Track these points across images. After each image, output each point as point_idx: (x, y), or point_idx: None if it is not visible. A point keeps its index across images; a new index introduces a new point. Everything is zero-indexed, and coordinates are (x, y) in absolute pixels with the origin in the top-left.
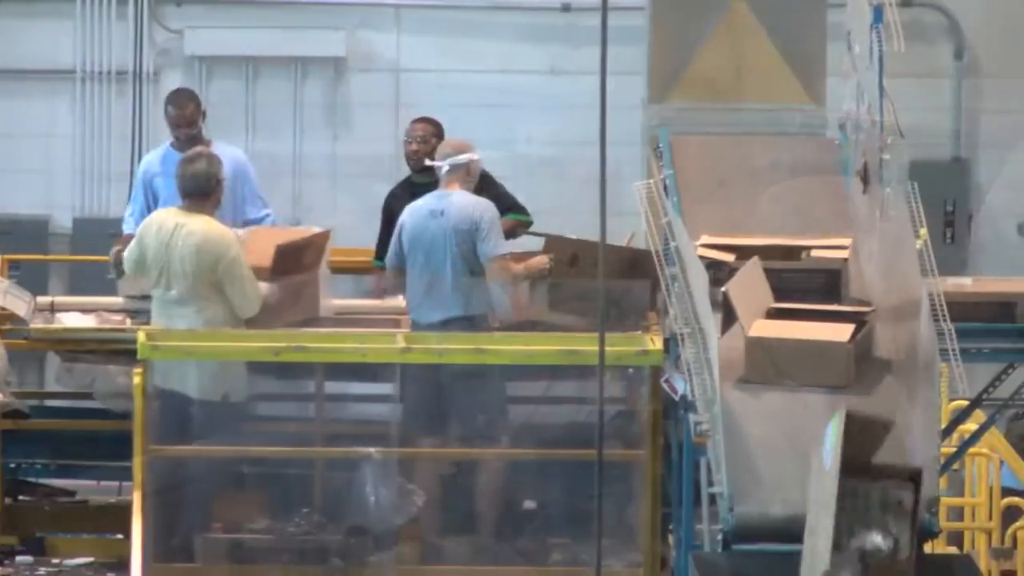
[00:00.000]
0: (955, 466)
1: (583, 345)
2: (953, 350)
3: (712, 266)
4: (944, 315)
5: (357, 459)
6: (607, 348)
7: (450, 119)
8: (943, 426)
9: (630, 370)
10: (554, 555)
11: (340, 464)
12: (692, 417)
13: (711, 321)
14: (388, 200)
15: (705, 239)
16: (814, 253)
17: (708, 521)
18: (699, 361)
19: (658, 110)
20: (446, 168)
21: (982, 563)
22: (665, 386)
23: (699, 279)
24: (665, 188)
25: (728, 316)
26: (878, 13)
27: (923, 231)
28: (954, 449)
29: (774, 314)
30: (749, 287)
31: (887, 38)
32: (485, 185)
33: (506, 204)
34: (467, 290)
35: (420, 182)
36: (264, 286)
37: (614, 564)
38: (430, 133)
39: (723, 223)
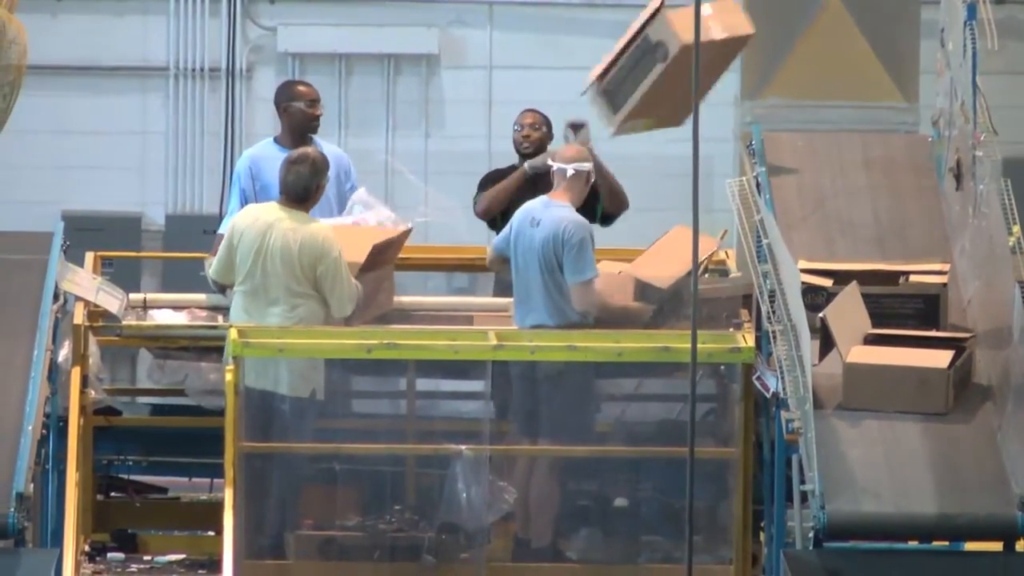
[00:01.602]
0: None
1: (675, 342)
2: None
3: (810, 291)
4: None
5: (448, 456)
6: (699, 346)
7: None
8: None
9: (722, 367)
10: (645, 552)
11: (431, 461)
12: (784, 414)
13: (803, 318)
14: (490, 177)
15: (803, 264)
16: (912, 278)
17: (800, 519)
18: (791, 358)
19: (751, 107)
20: (570, 172)
21: None
22: (757, 383)
23: (791, 276)
24: (758, 185)
25: (826, 342)
26: (971, 10)
27: (1016, 228)
28: None
29: (872, 340)
30: (847, 312)
31: (980, 35)
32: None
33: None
34: (556, 302)
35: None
36: (356, 284)
37: (706, 561)
38: (539, 122)
39: (816, 231)
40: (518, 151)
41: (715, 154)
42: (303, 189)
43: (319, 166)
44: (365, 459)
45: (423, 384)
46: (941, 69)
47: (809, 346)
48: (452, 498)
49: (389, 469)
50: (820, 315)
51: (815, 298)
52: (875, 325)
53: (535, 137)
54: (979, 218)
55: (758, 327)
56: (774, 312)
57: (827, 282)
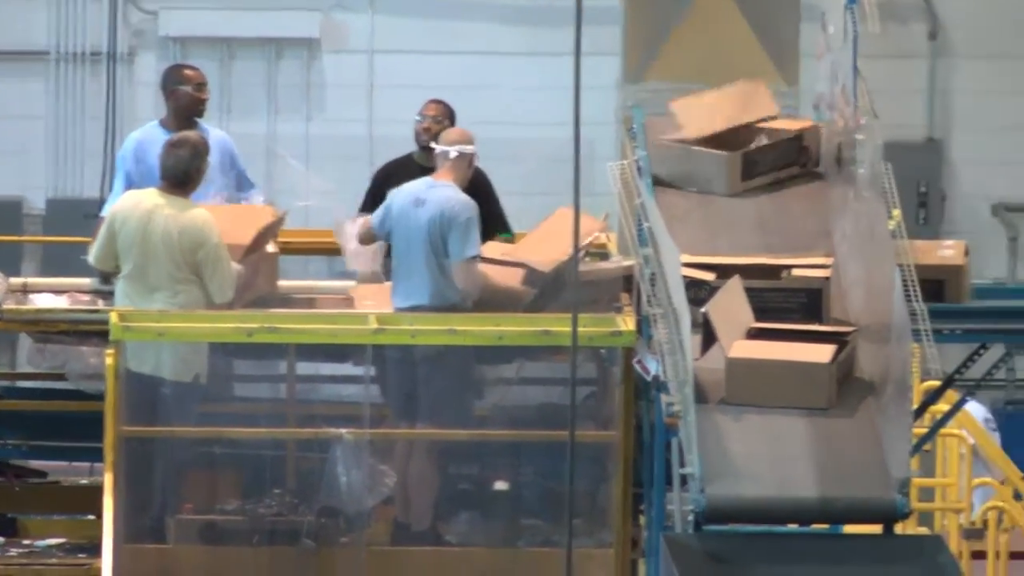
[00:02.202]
0: (926, 447)
1: (556, 326)
2: (925, 331)
3: (692, 285)
4: (917, 296)
5: (328, 440)
6: (580, 329)
7: (422, 100)
8: (915, 406)
9: (602, 351)
10: (526, 536)
11: (312, 445)
12: (664, 398)
13: (684, 302)
14: (386, 170)
15: (686, 258)
16: (795, 272)
17: (679, 502)
18: (671, 342)
19: (633, 91)
20: (453, 154)
21: (953, 543)
22: (637, 367)
23: (672, 259)
24: (639, 168)
25: (708, 336)
26: None
27: (896, 212)
28: (926, 430)
29: (755, 334)
30: (730, 307)
31: (861, 19)
32: (481, 187)
33: (495, 213)
34: (438, 282)
35: (423, 164)
36: (236, 266)
37: (585, 544)
38: (443, 114)
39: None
40: (417, 142)
41: (596, 138)
42: (183, 173)
43: (199, 150)
44: (245, 443)
45: (304, 368)
46: (822, 52)
47: (689, 329)
48: (332, 482)
49: (269, 453)
50: (702, 309)
51: (697, 292)
52: (758, 319)
53: (436, 130)
54: (859, 202)
55: (638, 310)
56: (655, 295)
57: (709, 276)
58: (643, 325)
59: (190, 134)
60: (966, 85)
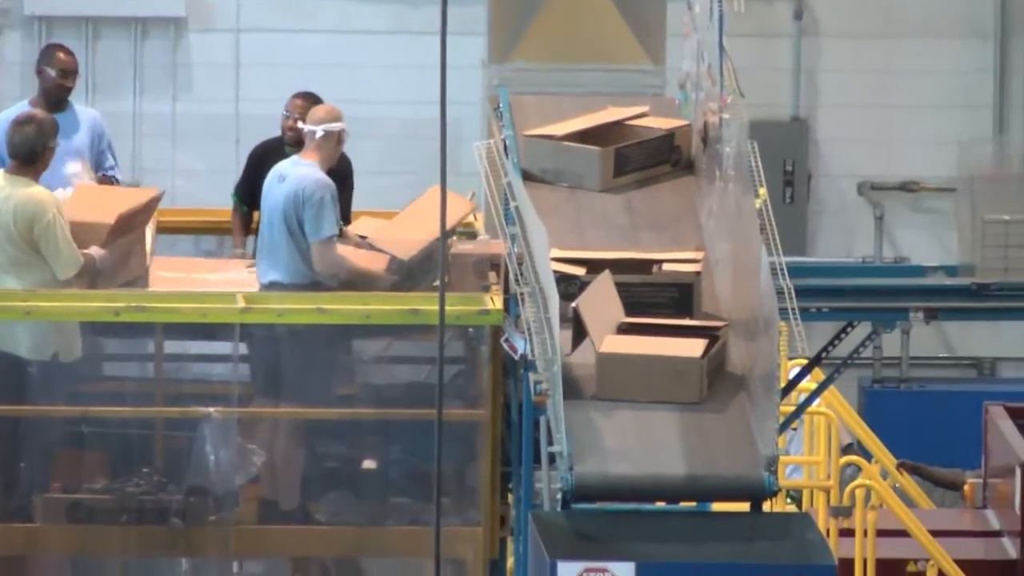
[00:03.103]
0: (793, 425)
1: (423, 305)
2: (792, 309)
3: (562, 280)
4: (783, 273)
5: (196, 419)
6: (447, 308)
7: (289, 80)
8: (782, 385)
9: (470, 330)
10: (394, 515)
11: (180, 424)
12: (532, 376)
13: (551, 281)
14: (261, 148)
15: (555, 252)
16: (666, 267)
17: (548, 480)
18: (539, 321)
19: (498, 70)
20: (319, 133)
21: (820, 521)
22: (505, 346)
23: (539, 239)
24: (505, 148)
25: (579, 332)
26: None
27: (762, 191)
28: (793, 408)
29: (625, 329)
30: (600, 302)
31: None
32: (339, 172)
33: (347, 199)
34: (294, 259)
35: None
36: (96, 251)
37: (454, 523)
38: (307, 109)
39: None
40: (284, 136)
41: (463, 117)
42: (29, 150)
43: (46, 128)
44: (113, 422)
45: (171, 347)
46: (688, 31)
47: (557, 308)
48: (200, 461)
49: (137, 432)
50: (572, 304)
51: (567, 287)
52: (628, 314)
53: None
54: (725, 180)
55: (506, 290)
56: (522, 275)
57: (580, 271)
58: (511, 304)
59: (36, 112)
60: (831, 64)
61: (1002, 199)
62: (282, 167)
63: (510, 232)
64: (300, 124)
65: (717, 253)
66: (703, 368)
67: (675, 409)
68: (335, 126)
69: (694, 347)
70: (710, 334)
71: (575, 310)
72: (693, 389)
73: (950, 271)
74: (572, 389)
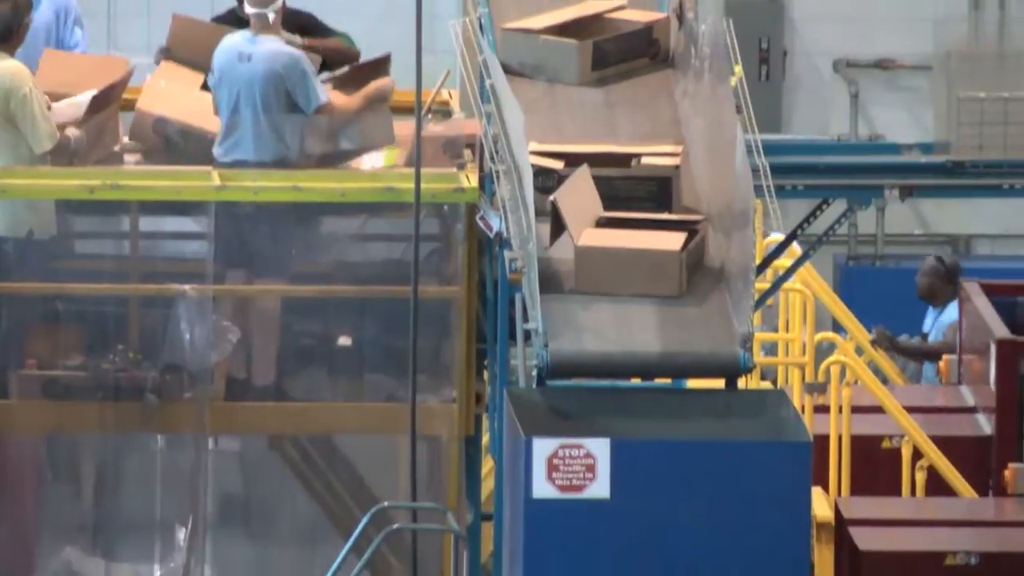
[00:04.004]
0: (769, 302)
1: (399, 182)
2: (768, 186)
3: (540, 174)
4: (759, 151)
5: (172, 297)
6: (423, 186)
7: None
8: (758, 262)
9: (445, 207)
10: (369, 392)
11: (155, 302)
12: (507, 254)
13: (526, 159)
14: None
15: (533, 146)
16: (644, 160)
17: (523, 357)
18: (514, 199)
19: None
20: (272, 17)
21: (795, 398)
22: (480, 223)
23: (514, 117)
24: (480, 26)
25: (556, 225)
26: None
27: (738, 68)
28: (768, 285)
29: (604, 223)
30: (578, 195)
31: None
32: (309, 24)
33: (330, 36)
34: (264, 136)
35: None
36: (72, 131)
37: (429, 400)
38: None
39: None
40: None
41: None
42: (5, 28)
43: (20, 4)
44: (88, 300)
45: (146, 224)
46: None
47: (532, 185)
48: (175, 338)
49: (112, 310)
50: (550, 198)
51: (545, 181)
52: (607, 208)
53: None
54: (701, 59)
55: (481, 168)
56: (497, 153)
57: (558, 164)
58: (486, 182)
59: None
60: None
61: (977, 76)
62: (239, 46)
63: (485, 110)
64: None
65: (693, 132)
66: (682, 262)
67: (654, 303)
68: (277, 3)
69: (673, 241)
70: (689, 228)
71: (553, 204)
72: (672, 283)
73: (925, 148)
74: (550, 283)
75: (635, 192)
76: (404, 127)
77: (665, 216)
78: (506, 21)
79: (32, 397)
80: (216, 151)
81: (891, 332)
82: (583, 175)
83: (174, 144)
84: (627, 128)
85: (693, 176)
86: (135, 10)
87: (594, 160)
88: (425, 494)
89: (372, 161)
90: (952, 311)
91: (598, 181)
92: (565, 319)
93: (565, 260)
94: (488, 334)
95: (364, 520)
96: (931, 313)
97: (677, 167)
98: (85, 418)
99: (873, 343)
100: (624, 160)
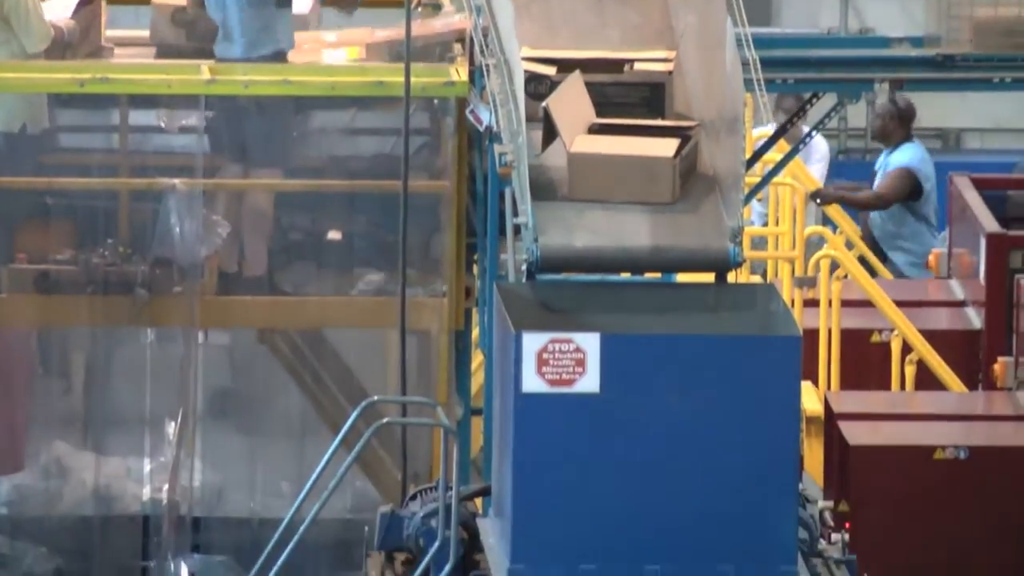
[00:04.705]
0: (758, 196)
1: (389, 76)
2: (758, 80)
3: (532, 80)
4: (749, 44)
5: (162, 191)
6: (412, 79)
7: None
8: (747, 156)
9: (435, 101)
10: (359, 285)
11: (145, 196)
12: (497, 148)
13: (516, 52)
14: None
15: (525, 51)
16: (637, 66)
17: (512, 251)
18: (504, 92)
19: None
20: None
21: (785, 292)
22: (470, 117)
23: (504, 10)
24: None
25: (549, 132)
26: None
27: None
28: (758, 179)
29: (596, 130)
30: (570, 102)
31: None
32: None
33: None
34: (251, 34)
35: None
36: (65, 22)
37: (419, 294)
38: None
39: None
40: None
41: None
42: None
43: None
44: (79, 194)
45: (136, 118)
46: None
47: (522, 80)
48: (165, 232)
49: (103, 204)
50: (542, 104)
51: (537, 87)
52: (599, 115)
53: None
54: None
55: (471, 62)
56: (487, 46)
57: (550, 70)
58: (476, 76)
59: None
60: None
61: None
62: None
63: (475, 3)
64: None
65: (685, 30)
66: (675, 168)
67: (647, 210)
68: None
69: (666, 147)
70: (682, 134)
71: (545, 110)
72: (665, 189)
73: (916, 42)
74: (543, 190)
75: (628, 98)
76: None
77: (658, 122)
78: None
79: (22, 291)
80: (216, 49)
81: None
82: (575, 81)
83: (197, 33)
84: (619, 34)
85: (686, 81)
86: None
87: (586, 66)
88: (415, 388)
89: (335, 58)
90: (901, 154)
91: (590, 87)
92: (556, 215)
93: (558, 167)
94: (478, 228)
95: (354, 414)
96: (884, 154)
97: (670, 73)
98: (75, 312)
99: (814, 197)
100: (617, 66)
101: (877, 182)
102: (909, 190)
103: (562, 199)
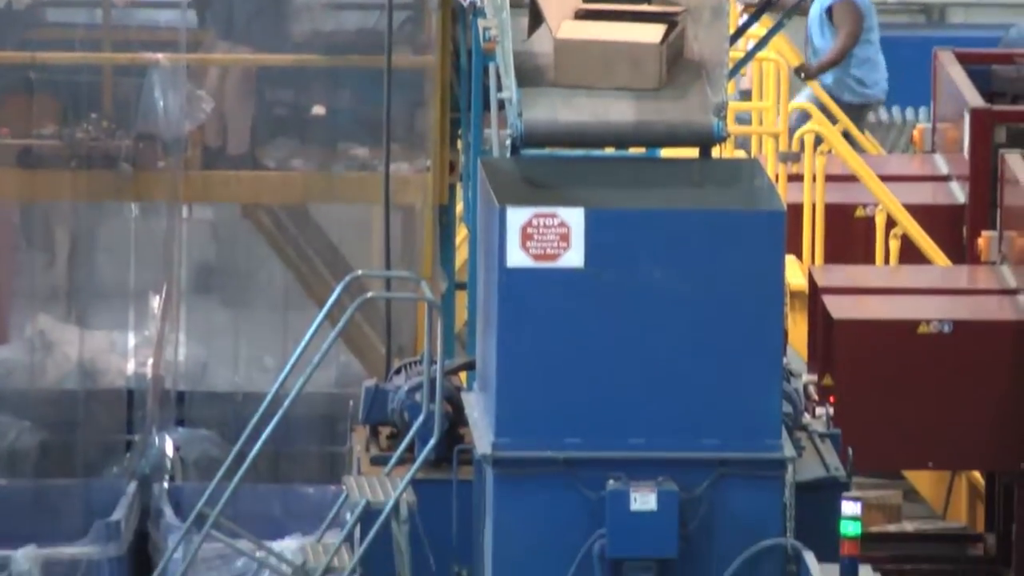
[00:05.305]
0: (742, 71)
1: None
2: None
3: None
4: None
5: (146, 66)
6: None
7: None
8: (731, 31)
9: None
10: (343, 160)
11: (128, 71)
12: (481, 23)
13: None
14: None
15: None
16: None
17: (496, 126)
18: None
19: None
20: None
21: (769, 167)
22: None
23: None
24: None
25: (535, 18)
26: None
27: None
28: (743, 54)
29: (583, 15)
30: None
31: None
32: None
33: None
34: None
35: None
36: None
37: (403, 169)
38: None
39: None
40: None
41: None
42: None
43: None
44: (62, 68)
45: None
46: None
47: None
48: (149, 108)
49: (86, 79)
50: None
51: None
52: (585, 0)
53: None
54: None
55: None
56: None
57: None
58: None
59: None
60: None
61: None
62: None
63: None
64: None
65: None
66: (662, 55)
67: (632, 95)
68: None
69: (653, 33)
70: (669, 20)
71: None
72: (652, 75)
73: None
74: (529, 77)
75: None
76: None
77: (644, 8)
78: None
79: (6, 166)
80: None
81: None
82: None
83: None
84: None
85: None
86: None
87: None
88: (399, 263)
89: None
90: None
91: None
92: (540, 91)
93: (544, 54)
94: (462, 103)
95: (338, 289)
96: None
97: None
98: (59, 187)
99: (798, 72)
100: None
101: (824, 28)
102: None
103: (548, 85)
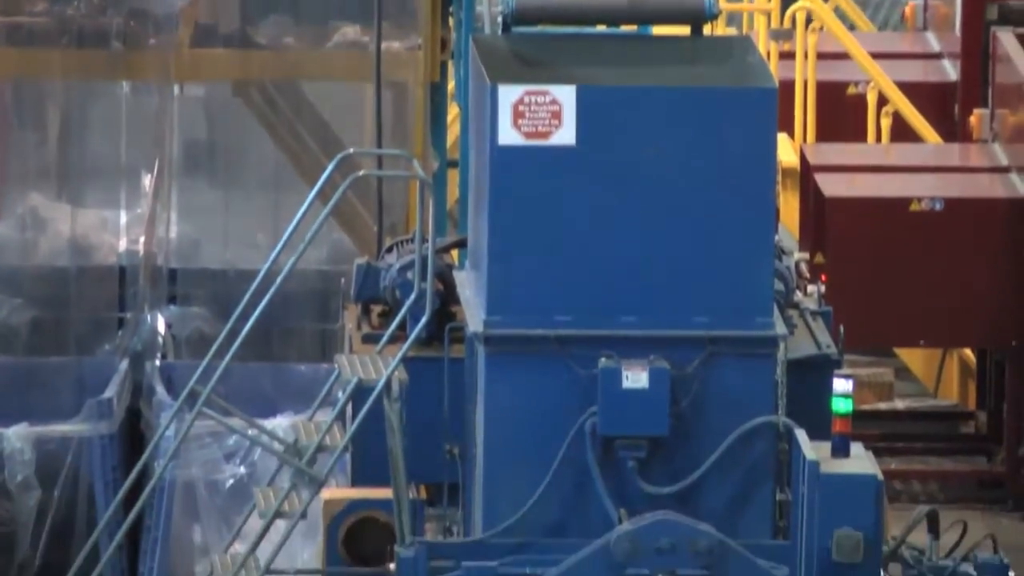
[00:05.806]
0: None
1: None
2: None
3: None
4: None
5: None
6: None
7: None
8: None
9: None
10: (335, 38)
11: None
12: None
13: None
14: None
15: None
16: None
17: (488, 3)
18: None
19: None
20: None
21: (761, 44)
22: None
23: None
24: None
25: None
26: None
27: None
28: None
29: None
30: None
31: None
32: None
33: None
34: None
35: None
36: None
37: (394, 46)
38: None
39: None
40: None
41: None
42: None
43: None
44: None
45: None
46: None
47: None
48: None
49: None
50: None
51: None
52: None
53: None
54: None
55: None
56: None
57: None
58: None
59: None
60: None
61: None
62: None
63: None
64: None
65: None
66: None
67: None
68: None
69: None
70: None
71: None
72: None
73: None
74: None
75: None
76: None
77: None
78: None
79: None
80: None
81: None
82: None
83: None
84: None
85: None
86: None
87: None
88: (391, 141)
89: None
90: None
91: None
92: None
93: None
94: None
95: (330, 167)
96: None
97: None
98: (50, 65)
99: None
100: None
101: None
102: None
103: None
